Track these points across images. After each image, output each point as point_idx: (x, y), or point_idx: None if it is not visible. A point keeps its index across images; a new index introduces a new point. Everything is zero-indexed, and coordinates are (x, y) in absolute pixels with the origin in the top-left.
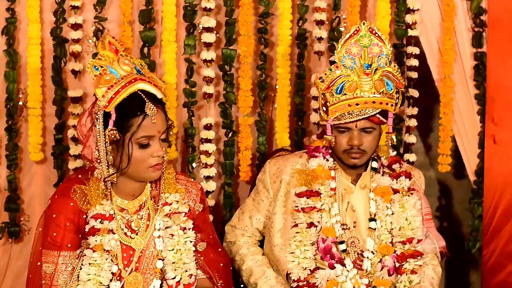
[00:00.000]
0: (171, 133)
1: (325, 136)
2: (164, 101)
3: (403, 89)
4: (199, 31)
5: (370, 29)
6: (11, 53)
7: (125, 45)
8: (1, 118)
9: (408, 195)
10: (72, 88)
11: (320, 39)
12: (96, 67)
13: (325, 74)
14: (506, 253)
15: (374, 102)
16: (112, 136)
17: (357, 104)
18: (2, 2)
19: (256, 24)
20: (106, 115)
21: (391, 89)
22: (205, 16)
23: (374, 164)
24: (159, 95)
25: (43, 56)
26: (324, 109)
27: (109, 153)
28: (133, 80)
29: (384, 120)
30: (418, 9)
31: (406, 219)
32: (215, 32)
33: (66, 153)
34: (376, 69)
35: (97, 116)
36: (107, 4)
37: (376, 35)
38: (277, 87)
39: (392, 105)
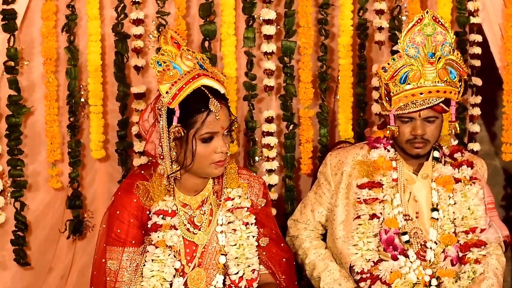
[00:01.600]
0: (234, 128)
1: (388, 126)
2: (227, 96)
3: (466, 77)
4: (260, 23)
5: (434, 17)
6: (72, 50)
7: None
8: (62, 115)
9: (470, 184)
10: (135, 84)
11: (380, 28)
12: (159, 63)
13: (388, 64)
14: None
15: (438, 91)
16: (177, 133)
17: (421, 94)
18: None
19: (316, 15)
20: (170, 112)
21: (454, 77)
22: (265, 8)
23: (436, 154)
24: (222, 90)
25: (105, 53)
26: (387, 99)
27: (172, 149)
28: (196, 76)
29: (447, 109)
30: None
31: (469, 209)
32: (275, 24)
33: (130, 150)
34: (440, 58)
35: (160, 112)
36: None
37: (440, 23)
38: (339, 78)
39: (455, 94)
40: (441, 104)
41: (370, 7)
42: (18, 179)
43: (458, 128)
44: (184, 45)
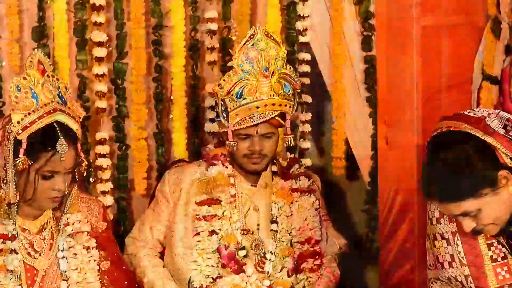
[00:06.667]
0: (79, 169)
1: (226, 142)
2: (78, 135)
3: (299, 90)
4: (91, 45)
5: (266, 33)
6: None
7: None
8: None
9: (307, 195)
10: None
11: (212, 49)
12: (19, 88)
13: (224, 80)
14: (403, 252)
15: (273, 104)
16: (21, 166)
17: (257, 107)
18: None
19: (150, 36)
20: (18, 141)
21: (289, 91)
22: (96, 31)
23: (274, 168)
24: (75, 127)
25: None
26: (225, 115)
27: (16, 176)
28: (51, 111)
29: (283, 123)
30: (308, 16)
31: (306, 219)
32: (107, 45)
33: None
34: (273, 72)
35: (8, 137)
36: None
37: (272, 38)
38: (172, 98)
39: (289, 107)
40: (277, 117)
41: (201, 28)
42: None
43: (292, 141)
44: (51, 71)
